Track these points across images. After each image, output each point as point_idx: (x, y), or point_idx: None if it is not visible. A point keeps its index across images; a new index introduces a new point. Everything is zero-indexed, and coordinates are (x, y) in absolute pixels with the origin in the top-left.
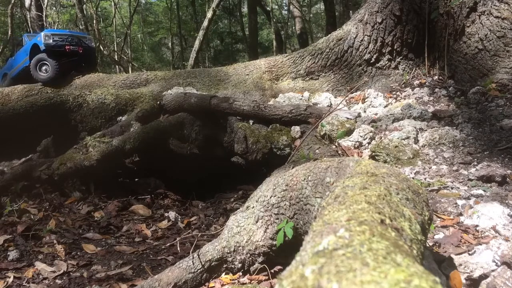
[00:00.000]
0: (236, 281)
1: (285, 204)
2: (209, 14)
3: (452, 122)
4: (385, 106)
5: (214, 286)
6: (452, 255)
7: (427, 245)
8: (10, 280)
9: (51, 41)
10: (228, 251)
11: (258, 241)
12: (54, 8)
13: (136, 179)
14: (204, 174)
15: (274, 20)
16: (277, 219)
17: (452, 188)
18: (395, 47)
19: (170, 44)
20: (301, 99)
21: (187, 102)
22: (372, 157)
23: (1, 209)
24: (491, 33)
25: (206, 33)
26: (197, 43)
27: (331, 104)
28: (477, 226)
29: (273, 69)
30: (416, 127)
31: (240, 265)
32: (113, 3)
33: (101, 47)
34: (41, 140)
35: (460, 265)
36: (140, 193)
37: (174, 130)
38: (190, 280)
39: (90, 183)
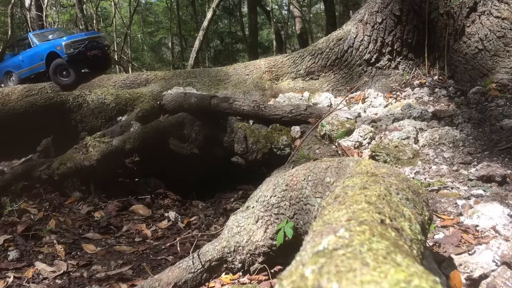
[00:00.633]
0: (236, 281)
1: (285, 204)
2: (209, 14)
3: (452, 122)
4: (385, 106)
5: (214, 286)
6: (452, 255)
7: (427, 245)
8: (10, 280)
9: (72, 49)
10: (228, 251)
11: (258, 241)
12: (54, 8)
13: (136, 179)
14: (204, 174)
15: (274, 20)
16: (277, 219)
17: (452, 188)
18: (395, 47)
19: (170, 44)
20: (301, 99)
21: (187, 102)
22: (372, 157)
23: (1, 209)
24: (491, 33)
25: (206, 33)
26: (197, 43)
27: (331, 104)
28: (477, 226)
29: (273, 69)
30: (416, 127)
31: (240, 265)
32: (113, 3)
33: None
34: (41, 140)
35: (460, 265)
36: (140, 193)
37: (174, 130)
38: (190, 280)
39: (90, 183)
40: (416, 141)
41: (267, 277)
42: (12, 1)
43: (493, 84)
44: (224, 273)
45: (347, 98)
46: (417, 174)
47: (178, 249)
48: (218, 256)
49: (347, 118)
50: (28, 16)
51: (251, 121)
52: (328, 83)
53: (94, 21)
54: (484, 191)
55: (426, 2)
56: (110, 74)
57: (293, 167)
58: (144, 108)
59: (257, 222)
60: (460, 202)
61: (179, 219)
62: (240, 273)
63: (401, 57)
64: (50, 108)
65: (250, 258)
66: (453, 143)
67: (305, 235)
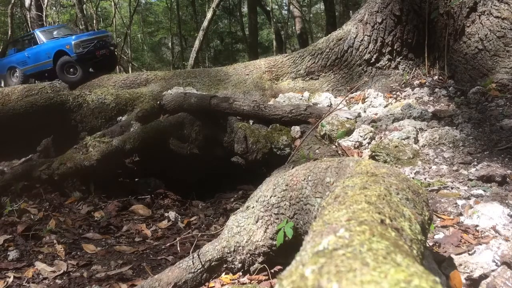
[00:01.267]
0: (236, 281)
1: (285, 204)
2: (209, 14)
3: (452, 122)
4: (385, 106)
5: (214, 286)
6: (452, 255)
7: (427, 245)
8: (10, 280)
9: (81, 49)
10: (228, 251)
11: (258, 241)
12: (54, 8)
13: (136, 179)
14: (204, 174)
15: (274, 20)
16: (277, 219)
17: (452, 188)
18: (395, 47)
19: (170, 44)
20: (301, 99)
21: (187, 102)
22: (372, 157)
23: (1, 209)
24: (491, 33)
25: (206, 33)
26: (197, 43)
27: (331, 104)
28: (477, 226)
29: (273, 69)
30: (416, 127)
31: (240, 265)
32: (113, 3)
33: None
34: (41, 140)
35: (460, 265)
36: (140, 193)
37: (174, 130)
38: (190, 280)
39: (90, 183)
40: (416, 141)
41: (267, 277)
42: (12, 1)
43: (493, 84)
44: (224, 273)
45: (347, 98)
46: (417, 174)
47: (178, 249)
48: (218, 256)
49: (347, 118)
50: (28, 16)
51: (251, 121)
52: (328, 83)
53: (94, 21)
54: (484, 191)
55: (426, 2)
56: (110, 74)
57: (293, 167)
58: (144, 108)
59: (257, 222)
60: (460, 202)
61: (179, 219)
62: (240, 273)
63: (401, 57)
64: (50, 108)
65: (250, 258)
66: (453, 143)
67: (305, 235)
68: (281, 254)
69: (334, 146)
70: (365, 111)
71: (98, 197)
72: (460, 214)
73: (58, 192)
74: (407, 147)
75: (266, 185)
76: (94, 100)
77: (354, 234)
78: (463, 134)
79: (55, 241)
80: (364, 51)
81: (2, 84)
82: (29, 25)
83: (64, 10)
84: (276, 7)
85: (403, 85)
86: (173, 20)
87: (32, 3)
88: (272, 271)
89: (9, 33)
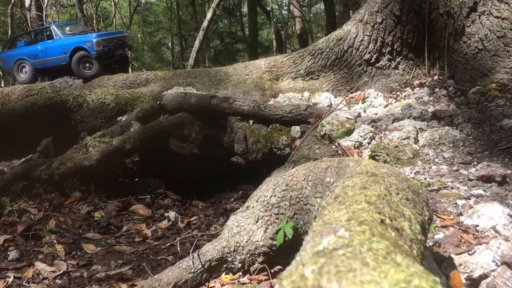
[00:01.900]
0: (236, 281)
1: (285, 204)
2: (209, 14)
3: (452, 122)
4: (385, 106)
5: (214, 286)
6: (452, 255)
7: (427, 245)
8: (10, 280)
9: (102, 47)
10: (228, 251)
11: (258, 241)
12: (54, 8)
13: (136, 179)
14: (204, 174)
15: (274, 20)
16: (277, 219)
17: (452, 188)
18: (395, 47)
19: (170, 44)
20: (301, 99)
21: (187, 102)
22: (372, 157)
23: (1, 209)
24: (491, 33)
25: (206, 33)
26: (197, 43)
27: (331, 104)
28: (477, 226)
29: (273, 69)
30: (416, 127)
31: (240, 265)
32: (113, 3)
33: None
34: (41, 140)
35: (460, 265)
36: (140, 193)
37: (174, 130)
38: (190, 280)
39: (90, 183)
40: (416, 141)
41: (267, 277)
42: (12, 1)
43: (493, 84)
44: (224, 273)
45: (347, 98)
46: (417, 174)
47: (178, 249)
48: (218, 256)
49: (347, 118)
50: (28, 16)
51: (251, 121)
52: (328, 83)
53: (94, 21)
54: (484, 191)
55: (426, 2)
56: (110, 74)
57: (293, 167)
58: (144, 108)
59: (257, 222)
60: (460, 202)
61: (179, 219)
62: (240, 273)
63: (401, 57)
64: (50, 108)
65: (250, 258)
66: (453, 143)
67: (305, 235)
68: (281, 254)
69: (334, 146)
70: (365, 111)
71: (98, 197)
72: (460, 214)
73: (58, 192)
74: (407, 147)
75: (266, 185)
76: (94, 100)
77: (354, 234)
78: (463, 134)
79: (55, 241)
80: (364, 51)
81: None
82: (29, 25)
83: (64, 10)
84: (276, 7)
85: (403, 85)
86: (173, 20)
87: (32, 3)
88: (272, 271)
89: (9, 33)
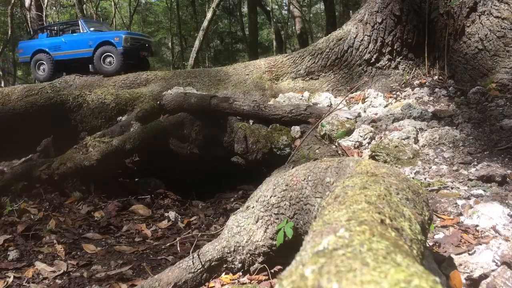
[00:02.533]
0: (236, 281)
1: (285, 204)
2: (209, 14)
3: (452, 122)
4: (385, 106)
5: (214, 286)
6: (452, 255)
7: (427, 245)
8: (10, 280)
9: (129, 44)
10: (228, 251)
11: (258, 241)
12: (54, 8)
13: (136, 179)
14: (204, 174)
15: (274, 20)
16: (277, 219)
17: (452, 188)
18: (395, 47)
19: (170, 44)
20: (301, 99)
21: (187, 102)
22: (372, 157)
23: (1, 209)
24: (491, 33)
25: (206, 33)
26: (197, 43)
27: (331, 104)
28: (477, 226)
29: (273, 69)
30: (416, 127)
31: (240, 265)
32: (113, 3)
33: None
34: (41, 140)
35: (460, 265)
36: (140, 193)
37: (174, 130)
38: (190, 280)
39: (90, 183)
40: (416, 141)
41: (267, 277)
42: (12, 1)
43: (493, 84)
44: (224, 273)
45: (347, 98)
46: (417, 174)
47: (178, 249)
48: (218, 256)
49: (347, 118)
50: (28, 16)
51: (251, 121)
52: (328, 83)
53: None
54: (484, 191)
55: (426, 2)
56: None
57: (293, 167)
58: (144, 108)
59: (257, 222)
60: (460, 202)
61: (179, 219)
62: (240, 273)
63: (401, 57)
64: (50, 108)
65: (250, 258)
66: (453, 143)
67: (305, 235)
68: (281, 254)
69: (334, 146)
70: (365, 111)
71: (98, 197)
72: (460, 214)
73: (58, 192)
74: (407, 147)
75: (266, 185)
76: (94, 100)
77: (354, 234)
78: (463, 134)
79: (55, 241)
80: (364, 51)
81: None
82: (29, 25)
83: (64, 10)
84: (276, 7)
85: (403, 85)
86: (173, 20)
87: (32, 3)
88: (272, 271)
89: (9, 33)
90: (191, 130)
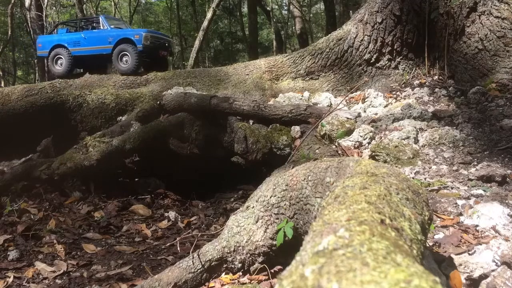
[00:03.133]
0: (236, 281)
1: (285, 204)
2: (209, 14)
3: (452, 122)
4: (385, 106)
5: (214, 286)
6: (452, 255)
7: (427, 245)
8: (10, 280)
9: (149, 42)
10: (228, 251)
11: (258, 241)
12: (54, 8)
13: (136, 179)
14: (204, 174)
15: (274, 20)
16: (277, 219)
17: (452, 188)
18: (395, 47)
19: None
20: (301, 99)
21: (187, 102)
22: (372, 157)
23: (1, 209)
24: (491, 33)
25: (206, 33)
26: (197, 43)
27: (331, 104)
28: (477, 226)
29: (273, 69)
30: (416, 127)
31: (240, 265)
32: (113, 3)
33: None
34: (41, 140)
35: (460, 265)
36: (140, 193)
37: (174, 130)
38: (190, 280)
39: (90, 183)
40: (416, 141)
41: (267, 277)
42: (12, 1)
43: (493, 84)
44: (224, 273)
45: (347, 98)
46: (417, 174)
47: (178, 249)
48: (218, 256)
49: (347, 118)
50: (28, 16)
51: (251, 121)
52: (328, 83)
53: None
54: (484, 191)
55: (426, 2)
56: (110, 74)
57: (293, 167)
58: (144, 108)
59: (257, 222)
60: (460, 202)
61: (179, 219)
62: (240, 273)
63: (401, 57)
64: (50, 108)
65: (250, 258)
66: (453, 143)
67: (305, 235)
68: (281, 254)
69: (334, 146)
70: (365, 111)
71: (98, 197)
72: (460, 214)
73: (58, 192)
74: (407, 147)
75: (266, 185)
76: (94, 100)
77: (354, 234)
78: (463, 134)
79: (55, 241)
80: (364, 51)
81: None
82: (29, 25)
83: (64, 10)
84: (276, 7)
85: (403, 85)
86: (173, 20)
87: (32, 3)
88: (272, 271)
89: (9, 33)
90: (191, 130)
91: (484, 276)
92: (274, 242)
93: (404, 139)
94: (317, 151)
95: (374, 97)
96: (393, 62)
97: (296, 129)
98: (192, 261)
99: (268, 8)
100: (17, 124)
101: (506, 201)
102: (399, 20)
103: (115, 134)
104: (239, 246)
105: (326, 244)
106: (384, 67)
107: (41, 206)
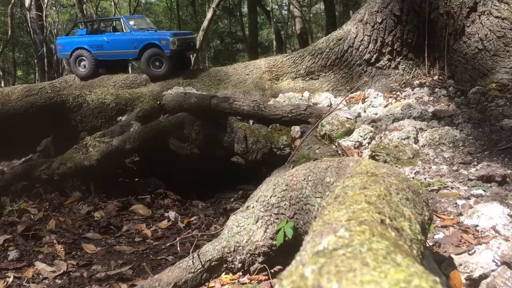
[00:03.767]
0: (236, 281)
1: (285, 204)
2: (209, 14)
3: (452, 122)
4: (385, 106)
5: (214, 286)
6: (452, 255)
7: (427, 245)
8: (10, 280)
9: (176, 46)
10: (228, 251)
11: (258, 241)
12: (54, 8)
13: (136, 179)
14: (204, 174)
15: (274, 20)
16: (277, 219)
17: (452, 188)
18: (395, 47)
19: None
20: (301, 99)
21: (187, 102)
22: (372, 157)
23: (1, 209)
24: (491, 33)
25: (206, 33)
26: (197, 43)
27: (331, 104)
28: (477, 226)
29: (273, 69)
30: (416, 127)
31: (240, 265)
32: (113, 3)
33: None
34: (41, 140)
35: (460, 265)
36: (140, 193)
37: (174, 130)
38: (190, 280)
39: (90, 183)
40: (416, 141)
41: (267, 277)
42: (12, 1)
43: (493, 84)
44: (224, 273)
45: (347, 98)
46: (417, 174)
47: (178, 249)
48: (218, 256)
49: (347, 118)
50: (28, 16)
51: (251, 121)
52: (328, 83)
53: None
54: (484, 191)
55: (426, 2)
56: (110, 74)
57: (293, 167)
58: (144, 108)
59: (257, 222)
60: (460, 202)
61: (179, 219)
62: (240, 273)
63: (401, 57)
64: (50, 108)
65: (250, 258)
66: (453, 143)
67: (305, 235)
68: (281, 254)
69: (334, 146)
70: (365, 111)
71: (98, 197)
72: (460, 214)
73: (58, 192)
74: (407, 147)
75: (266, 185)
76: (94, 100)
77: (354, 234)
78: (463, 134)
79: (55, 241)
80: (364, 51)
81: None
82: (29, 25)
83: (64, 10)
84: (276, 7)
85: (403, 85)
86: (173, 20)
87: (32, 3)
88: (272, 271)
89: (9, 33)
90: (191, 130)
91: (484, 276)
92: (274, 242)
93: (404, 139)
94: (317, 151)
95: (374, 97)
96: (393, 62)
97: (296, 129)
98: (192, 261)
99: (268, 8)
100: (17, 124)
101: (506, 201)
102: (399, 20)
103: (115, 134)
104: (239, 246)
105: (326, 244)
106: (384, 67)
107: (41, 206)
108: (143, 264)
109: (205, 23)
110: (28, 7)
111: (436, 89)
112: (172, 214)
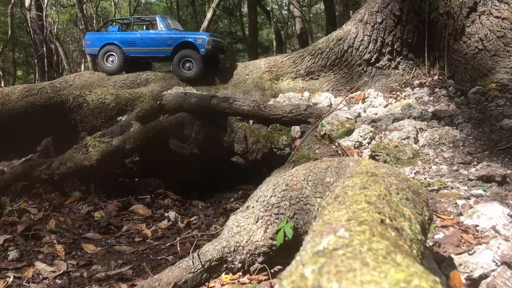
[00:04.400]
0: (236, 281)
1: (285, 204)
2: (209, 14)
3: (452, 122)
4: (385, 106)
5: (214, 286)
6: (452, 255)
7: (427, 245)
8: (10, 280)
9: (211, 47)
10: (228, 251)
11: (258, 241)
12: (54, 8)
13: (136, 179)
14: (204, 174)
15: (274, 20)
16: (277, 219)
17: (452, 188)
18: (395, 47)
19: None
20: (301, 99)
21: (187, 102)
22: (372, 157)
23: (1, 209)
24: (491, 33)
25: None
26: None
27: (331, 104)
28: (477, 226)
29: (273, 69)
30: (416, 127)
31: (240, 265)
32: (113, 3)
33: None
34: (41, 140)
35: (460, 265)
36: (140, 193)
37: (174, 130)
38: (190, 280)
39: (90, 183)
40: (416, 141)
41: (267, 277)
42: (12, 1)
43: (493, 84)
44: (224, 273)
45: (347, 98)
46: (417, 174)
47: (178, 249)
48: (218, 256)
49: (347, 118)
50: (28, 16)
51: (251, 121)
52: (328, 83)
53: (94, 21)
54: (484, 191)
55: (426, 2)
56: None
57: (293, 167)
58: (144, 108)
59: (257, 222)
60: (460, 202)
61: (179, 219)
62: (240, 273)
63: (401, 57)
64: (50, 108)
65: (250, 258)
66: (453, 143)
67: (305, 235)
68: (281, 254)
69: (334, 146)
70: (365, 111)
71: (98, 197)
72: (460, 214)
73: (58, 192)
74: (407, 147)
75: (266, 185)
76: (94, 100)
77: (354, 234)
78: (463, 134)
79: (55, 241)
80: (364, 51)
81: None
82: (29, 25)
83: (64, 10)
84: (276, 7)
85: (403, 85)
86: None
87: (32, 3)
88: (272, 271)
89: (9, 33)
90: (191, 130)
91: (484, 276)
92: (274, 242)
93: (404, 139)
94: (317, 151)
95: (374, 97)
96: (393, 62)
97: (296, 129)
98: (192, 261)
99: (268, 8)
100: (17, 124)
101: (506, 201)
102: (399, 20)
103: (115, 134)
104: (239, 246)
105: (326, 244)
106: (384, 67)
107: (41, 206)
108: (143, 264)
109: (205, 23)
110: (28, 7)
111: (436, 89)
112: (172, 214)
